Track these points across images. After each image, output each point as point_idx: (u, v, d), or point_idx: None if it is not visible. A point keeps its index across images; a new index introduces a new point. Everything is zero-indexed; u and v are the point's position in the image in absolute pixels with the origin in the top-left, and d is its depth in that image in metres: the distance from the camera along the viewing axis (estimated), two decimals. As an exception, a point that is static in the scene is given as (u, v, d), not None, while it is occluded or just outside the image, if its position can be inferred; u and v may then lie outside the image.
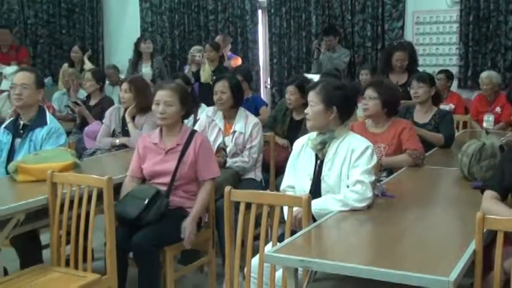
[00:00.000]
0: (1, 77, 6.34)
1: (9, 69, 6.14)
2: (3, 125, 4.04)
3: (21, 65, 7.83)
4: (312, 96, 3.03)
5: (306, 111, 3.06)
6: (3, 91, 6.19)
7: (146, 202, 3.32)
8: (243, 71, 5.95)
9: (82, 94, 6.50)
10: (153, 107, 3.54)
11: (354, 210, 2.81)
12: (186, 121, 5.09)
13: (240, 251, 2.75)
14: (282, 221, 2.74)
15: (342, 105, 3.01)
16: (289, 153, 3.26)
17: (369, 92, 3.93)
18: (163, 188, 3.46)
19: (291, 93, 5.00)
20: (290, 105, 5.05)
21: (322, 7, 7.96)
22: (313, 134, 3.13)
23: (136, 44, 7.66)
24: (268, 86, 8.59)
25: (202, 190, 3.51)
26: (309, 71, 7.55)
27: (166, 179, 3.49)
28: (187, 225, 3.40)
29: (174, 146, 3.52)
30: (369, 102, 3.92)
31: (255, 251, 2.73)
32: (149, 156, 3.56)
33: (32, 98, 3.85)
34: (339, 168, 2.97)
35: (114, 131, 4.78)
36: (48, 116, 3.94)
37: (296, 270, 2.39)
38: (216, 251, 3.81)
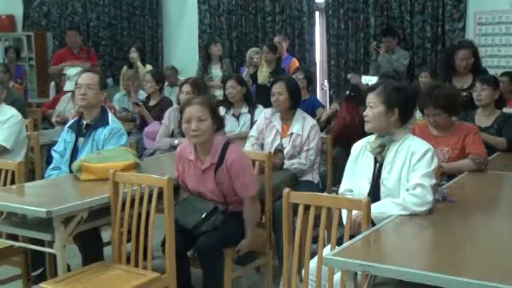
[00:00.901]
0: (65, 78, 6.51)
1: (72, 71, 6.29)
2: (68, 125, 4.17)
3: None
4: (372, 97, 3.00)
5: (365, 113, 3.03)
6: (66, 92, 6.36)
7: (203, 216, 3.36)
8: (305, 72, 5.95)
9: (142, 95, 6.63)
10: (184, 126, 3.36)
11: (413, 215, 2.76)
12: (242, 123, 5.18)
13: (298, 253, 2.74)
14: (339, 223, 2.73)
15: (404, 107, 2.97)
16: None
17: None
18: (218, 202, 3.46)
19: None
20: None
21: (380, 8, 7.86)
22: (371, 137, 3.10)
23: (206, 47, 7.77)
24: (326, 88, 8.55)
25: (245, 209, 3.45)
26: (366, 73, 7.47)
27: (213, 196, 3.45)
28: (243, 248, 3.45)
29: (208, 165, 3.42)
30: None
31: (313, 253, 2.73)
32: (189, 173, 3.49)
33: (95, 99, 3.95)
34: (399, 172, 2.93)
35: (173, 131, 4.86)
36: (110, 116, 4.03)
37: (355, 274, 2.37)
38: (273, 252, 3.82)
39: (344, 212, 2.76)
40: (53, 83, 8.78)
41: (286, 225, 2.81)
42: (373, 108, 2.99)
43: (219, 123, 3.45)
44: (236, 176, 3.40)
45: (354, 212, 2.69)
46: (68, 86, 6.23)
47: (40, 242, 3.30)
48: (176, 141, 4.73)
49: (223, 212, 3.43)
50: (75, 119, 4.17)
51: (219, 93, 6.57)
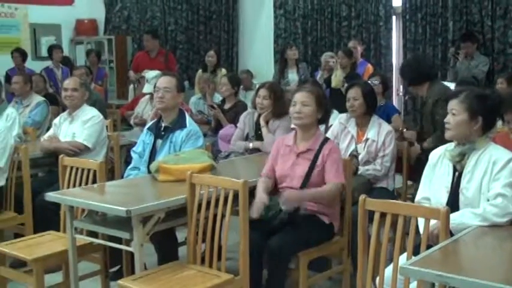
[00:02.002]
0: (144, 81, 6.70)
1: (151, 74, 6.46)
2: (147, 126, 4.28)
3: (173, 71, 8.28)
4: (454, 104, 2.93)
5: (446, 120, 2.97)
6: (145, 94, 6.54)
7: (280, 208, 3.43)
8: (382, 78, 5.88)
9: (217, 98, 6.73)
10: (290, 108, 3.62)
11: (494, 226, 2.68)
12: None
13: (373, 261, 2.71)
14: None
15: (488, 116, 2.89)
16: None
17: None
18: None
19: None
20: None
21: (460, 12, 7.67)
22: (450, 145, 3.03)
23: (282, 51, 7.82)
24: (401, 94, 8.41)
25: (325, 186, 3.49)
26: (444, 79, 7.30)
27: (296, 183, 3.52)
28: (290, 196, 3.43)
29: (305, 150, 3.56)
30: None
31: (388, 260, 2.69)
32: (282, 159, 3.62)
33: (173, 101, 4.04)
34: (479, 181, 2.86)
35: (247, 134, 4.90)
36: (188, 119, 4.11)
37: (433, 284, 2.33)
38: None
39: (421, 221, 2.71)
40: (131, 85, 9.05)
41: (361, 232, 2.78)
42: (456, 115, 2.92)
43: (323, 113, 3.60)
44: (332, 163, 3.51)
45: (432, 221, 2.64)
46: (146, 88, 6.40)
47: (118, 240, 3.40)
48: (251, 145, 4.77)
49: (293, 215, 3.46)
50: (154, 121, 4.27)
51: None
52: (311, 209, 3.52)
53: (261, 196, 3.44)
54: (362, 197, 2.80)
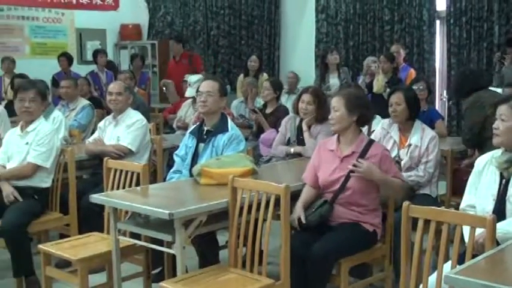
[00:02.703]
0: (186, 85, 6.76)
1: (193, 78, 6.53)
2: (189, 130, 4.32)
3: (198, 73, 8.39)
4: (504, 110, 2.87)
5: (494, 125, 2.91)
6: (187, 98, 6.60)
7: (313, 209, 3.46)
8: (425, 83, 5.82)
9: (259, 102, 6.75)
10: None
11: (543, 236, 2.62)
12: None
13: (416, 269, 2.68)
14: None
15: None
16: None
17: None
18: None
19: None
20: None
21: (506, 16, 7.53)
22: (497, 152, 2.97)
23: (323, 56, 7.80)
24: (445, 99, 8.29)
25: (397, 179, 3.50)
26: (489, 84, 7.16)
27: (339, 185, 3.50)
28: (363, 165, 3.40)
29: (349, 153, 3.52)
30: None
31: (431, 269, 2.65)
32: (325, 165, 3.59)
33: (215, 105, 4.07)
34: (527, 189, 2.80)
35: (289, 139, 4.90)
36: (230, 123, 4.13)
37: (478, 294, 2.28)
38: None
39: (466, 229, 2.67)
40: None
41: (404, 239, 2.75)
42: (506, 121, 2.86)
43: (358, 116, 3.53)
44: (390, 164, 3.51)
45: (478, 230, 2.59)
46: (189, 92, 6.46)
47: (160, 242, 3.43)
48: (292, 150, 4.76)
49: (331, 203, 3.49)
50: (197, 124, 4.31)
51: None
52: (353, 218, 3.48)
53: (298, 211, 3.46)
54: (406, 203, 2.77)
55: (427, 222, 2.70)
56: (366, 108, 3.59)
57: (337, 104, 3.53)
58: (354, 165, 3.42)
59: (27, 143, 4.28)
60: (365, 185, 3.46)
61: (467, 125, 4.87)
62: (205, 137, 4.09)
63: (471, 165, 3.19)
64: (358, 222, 3.48)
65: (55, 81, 8.45)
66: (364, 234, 3.48)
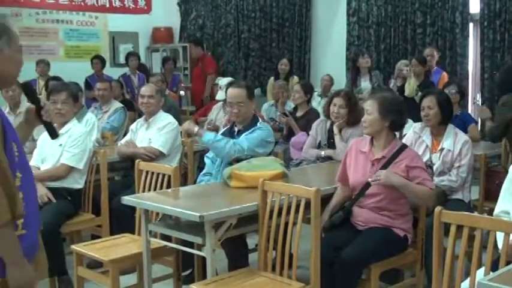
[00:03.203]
0: (217, 88, 6.79)
1: (224, 80, 6.55)
2: (220, 133, 4.34)
3: (208, 75, 8.61)
4: None
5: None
6: (218, 101, 6.63)
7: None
8: (458, 87, 5.75)
9: (289, 106, 6.75)
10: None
11: None
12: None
13: (448, 275, 2.65)
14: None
15: None
16: None
17: None
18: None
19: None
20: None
21: (543, 19, 7.40)
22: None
23: (354, 59, 7.77)
24: (478, 102, 8.17)
25: (424, 187, 3.42)
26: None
27: (373, 189, 3.47)
28: (381, 174, 3.38)
29: (380, 157, 3.50)
30: None
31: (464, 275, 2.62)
32: (356, 166, 3.57)
33: (248, 112, 4.12)
34: None
35: (319, 142, 4.89)
36: (260, 122, 4.17)
37: (512, 301, 2.24)
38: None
39: (500, 235, 2.63)
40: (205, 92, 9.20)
41: (436, 245, 2.72)
42: None
43: (390, 122, 3.48)
44: (416, 175, 3.43)
45: (512, 236, 2.55)
46: (220, 95, 6.49)
47: (190, 244, 3.46)
48: (323, 153, 4.74)
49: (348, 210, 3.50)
50: (227, 127, 4.33)
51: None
52: (384, 223, 3.46)
53: (324, 215, 3.51)
54: (438, 208, 2.73)
55: (459, 227, 2.66)
56: (399, 113, 3.53)
57: (370, 107, 3.51)
58: (375, 176, 3.40)
59: (60, 145, 4.34)
60: (393, 190, 3.42)
61: (496, 119, 4.89)
62: (236, 137, 4.11)
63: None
64: (389, 227, 3.45)
65: (88, 84, 8.58)
66: (395, 239, 3.45)
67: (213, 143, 4.05)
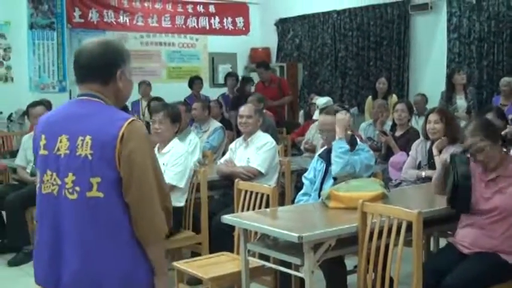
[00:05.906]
0: (314, 107, 6.79)
1: (321, 100, 6.55)
2: (318, 153, 4.34)
3: (287, 96, 9.08)
4: None
5: None
6: (315, 120, 6.62)
7: None
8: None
9: (388, 125, 6.63)
10: None
11: None
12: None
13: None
14: None
15: None
16: None
17: None
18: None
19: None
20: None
21: None
22: None
23: (450, 76, 7.56)
24: None
25: None
26: None
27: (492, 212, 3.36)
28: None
29: (494, 177, 3.39)
30: None
31: None
32: (475, 188, 3.42)
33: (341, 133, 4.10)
34: None
35: (419, 163, 4.77)
36: (359, 143, 4.16)
37: None
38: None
39: None
40: (302, 111, 9.23)
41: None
42: None
43: (497, 142, 3.41)
44: None
45: None
46: (317, 115, 6.48)
47: (288, 264, 3.45)
48: (423, 173, 4.62)
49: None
50: (325, 148, 4.31)
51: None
52: (491, 247, 3.32)
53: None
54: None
55: None
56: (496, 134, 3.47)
57: (483, 143, 3.38)
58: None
59: (163, 164, 4.48)
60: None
61: None
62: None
63: None
64: (496, 252, 3.31)
65: (186, 104, 8.83)
66: (502, 266, 3.29)
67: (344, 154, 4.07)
